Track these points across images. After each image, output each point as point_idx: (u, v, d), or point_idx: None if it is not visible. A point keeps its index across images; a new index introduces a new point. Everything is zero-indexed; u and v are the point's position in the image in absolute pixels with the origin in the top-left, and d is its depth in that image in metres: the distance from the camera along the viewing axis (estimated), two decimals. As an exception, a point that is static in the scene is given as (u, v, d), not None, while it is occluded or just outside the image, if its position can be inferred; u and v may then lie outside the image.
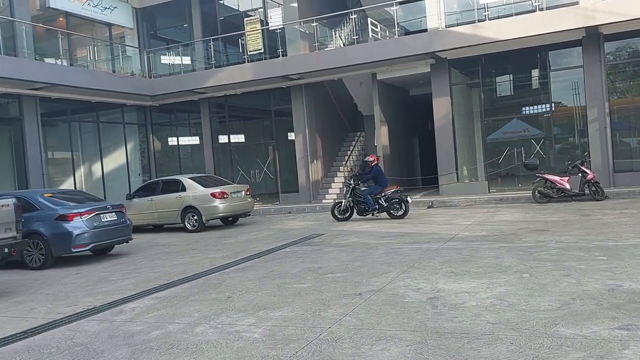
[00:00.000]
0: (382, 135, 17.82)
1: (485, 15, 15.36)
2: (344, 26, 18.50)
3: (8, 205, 7.83)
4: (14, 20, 15.84)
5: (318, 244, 10.15)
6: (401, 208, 13.17)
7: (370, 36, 16.83)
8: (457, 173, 16.72)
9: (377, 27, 17.30)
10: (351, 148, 20.41)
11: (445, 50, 15.64)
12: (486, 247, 8.36)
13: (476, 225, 10.97)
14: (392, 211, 13.16)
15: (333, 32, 18.59)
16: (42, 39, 17.95)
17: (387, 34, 17.56)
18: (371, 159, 13.64)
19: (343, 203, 13.44)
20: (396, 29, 16.74)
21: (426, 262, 7.56)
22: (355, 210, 13.38)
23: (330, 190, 18.71)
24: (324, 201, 18.21)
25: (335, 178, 19.15)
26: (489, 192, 16.12)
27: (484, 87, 16.89)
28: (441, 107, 16.63)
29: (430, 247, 8.68)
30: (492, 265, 7.02)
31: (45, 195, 10.68)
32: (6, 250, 7.60)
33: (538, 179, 14.09)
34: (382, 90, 17.79)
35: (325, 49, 17.81)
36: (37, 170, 16.25)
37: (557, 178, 13.83)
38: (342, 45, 18.06)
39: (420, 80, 17.78)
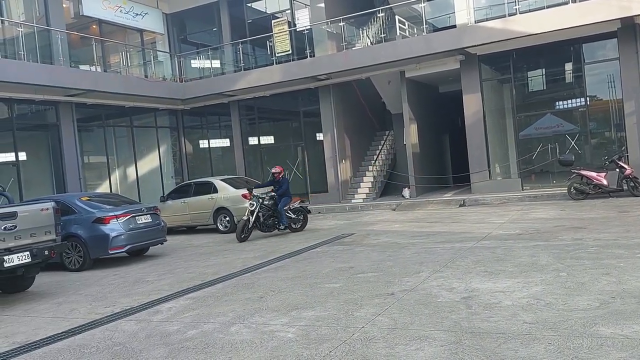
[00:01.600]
0: (411, 134, 17.69)
1: (516, 9, 15.09)
2: (371, 25, 18.43)
3: (48, 209, 8.07)
4: (49, 29, 16.30)
5: (349, 244, 10.14)
6: (299, 220, 12.83)
7: (398, 34, 16.72)
8: (489, 170, 16.47)
9: (404, 25, 17.18)
10: (380, 147, 20.32)
11: (475, 46, 15.42)
12: (521, 245, 8.22)
13: (510, 223, 10.80)
14: (292, 224, 12.73)
15: (360, 31, 18.54)
16: (76, 46, 18.43)
17: (415, 31, 17.41)
18: (278, 170, 12.77)
19: (251, 220, 12.01)
20: (424, 25, 16.60)
21: (459, 261, 7.48)
22: (257, 228, 12.26)
23: (359, 190, 18.67)
24: (353, 201, 18.19)
25: (364, 177, 19.11)
26: (522, 190, 15.83)
27: (516, 83, 16.59)
28: (472, 104, 16.41)
29: (463, 246, 8.58)
30: (528, 264, 6.90)
31: (82, 198, 10.97)
32: (46, 252, 7.82)
33: (574, 175, 13.77)
34: (411, 88, 17.66)
35: (353, 49, 17.78)
36: (74, 174, 16.69)
37: (593, 174, 13.49)
38: (369, 44, 18.00)
39: (450, 77, 17.59)
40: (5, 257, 7.23)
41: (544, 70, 17.07)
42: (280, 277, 7.63)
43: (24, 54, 15.16)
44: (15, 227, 7.45)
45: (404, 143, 17.96)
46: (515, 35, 14.61)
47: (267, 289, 6.98)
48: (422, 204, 15.87)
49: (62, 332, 5.84)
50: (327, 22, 18.06)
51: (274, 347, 4.65)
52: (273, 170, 12.81)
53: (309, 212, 13.15)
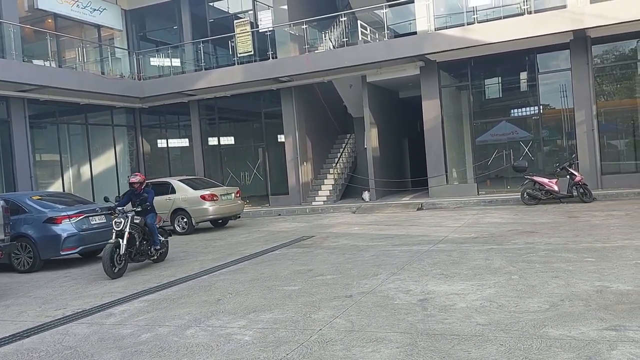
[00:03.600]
0: (372, 137, 17.88)
1: (474, 18, 15.50)
2: (334, 29, 18.53)
3: (-4, 208, 7.77)
4: (1, 21, 15.69)
5: (308, 246, 10.15)
6: (164, 245, 9.83)
7: (360, 39, 16.88)
8: (446, 175, 16.81)
9: (366, 30, 17.37)
10: (341, 150, 20.45)
11: (435, 52, 15.74)
12: (476, 249, 8.41)
13: (466, 227, 11.04)
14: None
15: (323, 35, 18.62)
16: (30, 40, 17.80)
17: (377, 37, 17.63)
18: (139, 179, 9.55)
19: (123, 245, 8.62)
20: (386, 31, 16.83)
21: (416, 264, 7.59)
22: (127, 255, 8.81)
23: (320, 192, 18.73)
24: (313, 203, 18.23)
25: (325, 180, 19.18)
26: (478, 194, 16.22)
27: (473, 90, 17.01)
28: (431, 110, 16.72)
29: (420, 249, 8.72)
30: (482, 267, 7.07)
31: (33, 197, 10.58)
32: (-6, 253, 7.53)
33: (527, 181, 14.20)
34: (372, 93, 17.86)
35: (315, 52, 17.84)
36: (25, 172, 16.09)
37: (545, 180, 13.95)
38: (332, 47, 18.10)
39: (410, 83, 17.88)
40: (-51, 258, 6.92)
41: (500, 78, 17.55)
42: (239, 280, 7.56)
43: (-28, 47, 14.56)
44: (-40, 226, 7.14)
45: (365, 146, 18.13)
46: (473, 43, 14.99)
47: (225, 291, 6.91)
48: (381, 207, 16.04)
49: (10, 336, 5.62)
50: (290, 24, 18.07)
51: (230, 350, 4.61)
52: (132, 180, 9.48)
53: (170, 235, 10.51)
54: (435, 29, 15.97)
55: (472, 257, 7.73)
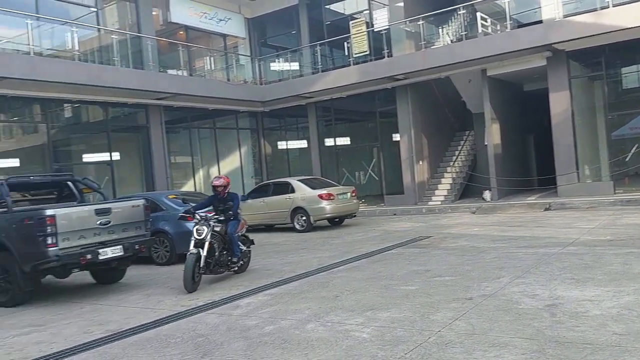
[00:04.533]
0: (493, 134, 17.11)
1: (607, 1, 14.21)
2: (451, 23, 18.04)
3: (138, 205, 8.59)
4: (141, 35, 17.30)
5: (425, 247, 9.99)
6: (246, 255, 9.02)
7: (480, 31, 16.24)
8: (577, 173, 15.61)
9: (487, 22, 16.66)
10: (459, 148, 19.82)
11: (563, 41, 14.67)
12: (612, 252, 7.74)
13: (600, 228, 10.19)
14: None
15: (440, 30, 18.21)
16: (164, 52, 19.44)
17: (498, 28, 16.84)
18: (223, 182, 8.56)
19: (203, 256, 7.87)
20: (508, 22, 16.01)
21: (543, 267, 7.16)
22: (206, 268, 8.02)
23: (437, 192, 18.32)
24: (430, 203, 17.88)
25: (442, 179, 18.72)
26: (614, 193, 14.85)
27: (608, 80, 15.61)
28: (559, 103, 15.63)
29: (548, 252, 8.21)
30: (619, 272, 6.49)
31: (169, 196, 11.55)
32: (136, 246, 8.31)
33: (673, 179, 12.78)
34: (493, 87, 17.09)
35: (432, 47, 17.48)
36: (162, 173, 17.63)
37: (696, 177, 12.45)
38: (449, 42, 17.62)
39: (535, 75, 16.83)
40: (100, 250, 7.75)
41: (639, 66, 15.94)
42: (355, 277, 7.66)
43: (117, 60, 16.20)
44: (109, 222, 7.98)
45: (485, 143, 17.41)
46: (608, 29, 13.77)
47: (342, 288, 7.03)
48: (503, 207, 15.32)
49: (151, 322, 6.19)
50: (406, 21, 17.88)
51: (349, 347, 4.69)
52: (215, 183, 8.55)
53: (253, 242, 9.45)
54: (564, 16, 14.89)
55: (607, 262, 7.12)
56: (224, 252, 8.44)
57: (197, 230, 7.98)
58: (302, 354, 4.63)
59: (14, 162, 15.06)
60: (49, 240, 7.25)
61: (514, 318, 5.05)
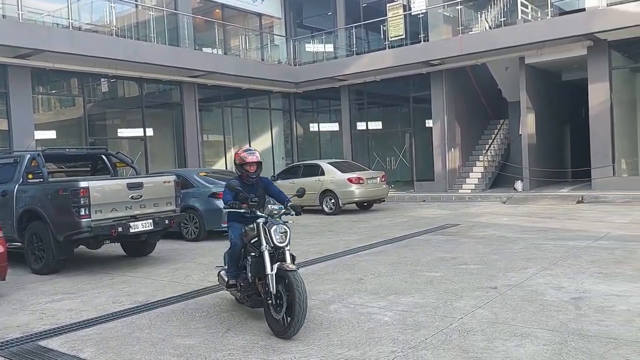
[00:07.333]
0: (528, 123, 16.76)
1: (656, -10, 13.66)
2: (491, 8, 17.63)
3: (170, 181, 8.76)
4: (177, 12, 17.44)
5: (452, 234, 9.93)
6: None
7: (520, 17, 15.81)
8: (613, 166, 15.19)
9: (527, 8, 16.21)
10: (493, 136, 19.50)
11: (606, 31, 14.18)
12: (644, 248, 7.57)
13: (633, 224, 9.94)
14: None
15: (479, 15, 17.82)
16: (200, 29, 19.57)
17: (539, 15, 16.38)
18: (256, 159, 5.45)
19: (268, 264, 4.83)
20: (549, 9, 15.58)
21: (571, 260, 7.05)
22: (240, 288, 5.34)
23: (467, 180, 18.11)
24: (460, 191, 17.69)
25: (474, 167, 18.48)
26: (651, 189, 14.46)
27: (651, 72, 15.10)
28: (598, 94, 15.18)
29: (577, 245, 8.07)
30: (650, 269, 6.35)
31: (200, 174, 11.75)
32: (166, 221, 8.49)
33: None
34: (530, 75, 16.69)
35: (469, 33, 17.14)
36: (194, 151, 17.89)
37: None
38: (488, 28, 17.23)
39: (575, 64, 16.36)
40: (131, 224, 7.95)
41: (686, 57, 15.35)
42: (381, 262, 7.68)
43: (154, 37, 16.38)
44: (141, 196, 8.17)
45: (520, 133, 17.08)
46: (653, 19, 13.25)
47: (367, 271, 7.08)
48: (535, 198, 15.06)
49: (178, 296, 6.36)
50: (444, 5, 17.55)
51: (370, 329, 4.74)
52: (250, 159, 5.39)
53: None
54: (607, 5, 14.38)
55: (638, 257, 6.97)
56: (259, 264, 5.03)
57: (278, 230, 4.84)
58: (324, 334, 4.69)
59: (51, 134, 15.50)
60: (82, 212, 7.47)
61: (538, 309, 5.01)
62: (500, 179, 18.58)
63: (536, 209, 13.41)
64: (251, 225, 5.15)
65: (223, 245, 10.00)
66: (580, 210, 12.66)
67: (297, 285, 4.49)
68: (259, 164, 5.47)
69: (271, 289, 4.65)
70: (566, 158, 19.85)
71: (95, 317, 5.59)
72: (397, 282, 6.41)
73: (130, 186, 8.11)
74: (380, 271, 7.05)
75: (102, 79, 16.44)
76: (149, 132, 17.21)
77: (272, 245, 4.80)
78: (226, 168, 19.31)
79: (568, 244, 8.19)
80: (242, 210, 5.15)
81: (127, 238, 8.37)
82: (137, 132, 16.98)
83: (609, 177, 15.11)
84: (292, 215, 5.27)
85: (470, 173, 18.33)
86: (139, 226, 8.05)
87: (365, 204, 15.31)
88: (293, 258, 4.92)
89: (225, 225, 10.65)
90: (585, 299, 5.26)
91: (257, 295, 5.03)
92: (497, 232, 9.90)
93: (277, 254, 4.83)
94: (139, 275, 7.73)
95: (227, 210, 5.33)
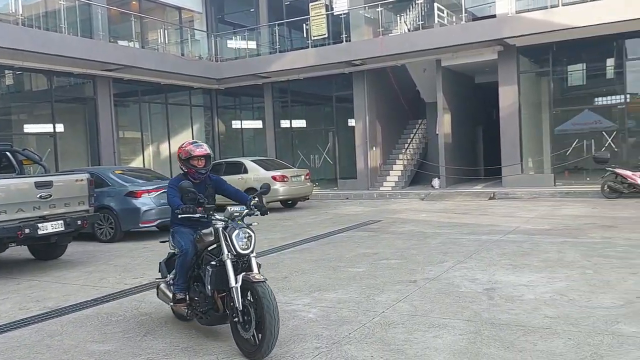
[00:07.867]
0: (444, 123, 17.49)
1: (558, 0, 14.68)
2: (409, 11, 18.19)
3: (82, 180, 8.30)
4: (90, 2, 16.57)
5: (374, 230, 10.17)
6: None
7: (436, 21, 16.47)
8: (521, 164, 16.19)
9: (443, 13, 16.92)
10: (412, 135, 20.16)
11: (515, 37, 15.08)
12: (548, 241, 8.11)
13: (539, 218, 10.64)
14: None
15: (398, 18, 18.33)
16: (116, 21, 18.72)
17: (454, 20, 17.13)
18: (205, 152, 4.81)
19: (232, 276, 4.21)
20: (463, 14, 16.32)
21: (484, 253, 7.43)
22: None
23: (388, 178, 18.61)
24: (381, 188, 18.15)
25: (394, 165, 19.02)
26: (554, 185, 15.53)
27: (554, 76, 16.20)
28: (507, 96, 16.11)
29: (490, 239, 8.51)
30: (554, 259, 6.81)
31: (116, 172, 11.24)
32: (79, 222, 8.04)
33: (608, 173, 13.43)
34: (446, 77, 17.42)
35: (390, 35, 17.60)
36: (109, 148, 17.08)
37: (629, 173, 13.13)
38: (406, 30, 17.78)
39: (487, 68, 17.28)
40: (40, 225, 7.48)
41: (584, 64, 16.61)
42: (305, 259, 7.72)
43: (64, 27, 15.47)
44: (50, 195, 7.69)
45: (437, 132, 17.78)
46: (557, 27, 14.22)
47: (292, 269, 7.08)
48: (451, 194, 15.74)
49: (91, 300, 6.05)
50: (365, 7, 17.90)
51: (294, 326, 4.74)
52: (198, 152, 4.77)
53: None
54: (516, 12, 15.29)
55: (543, 249, 7.46)
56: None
57: (240, 236, 4.25)
58: (246, 332, 4.63)
59: (-51, 130, 14.28)
60: (-15, 213, 6.94)
61: (454, 300, 5.23)
62: (418, 176, 19.25)
63: (452, 205, 14.02)
64: (207, 230, 4.52)
65: (141, 247, 9.68)
66: (492, 206, 13.38)
67: (266, 297, 3.87)
68: (207, 157, 4.79)
69: (237, 304, 4.01)
70: (479, 157, 20.89)
71: (0, 325, 5.20)
72: (321, 278, 6.47)
73: (39, 185, 7.62)
74: (305, 268, 7.08)
75: (7, 71, 15.33)
76: (59, 128, 16.25)
77: (235, 253, 4.17)
78: (144, 166, 18.64)
79: (481, 238, 8.62)
80: (198, 215, 4.42)
81: (35, 240, 7.85)
82: (46, 127, 15.96)
83: (518, 175, 16.09)
84: (257, 215, 4.69)
85: (390, 171, 18.85)
86: (48, 227, 7.59)
87: (290, 202, 15.33)
88: (259, 266, 4.35)
89: (144, 225, 10.39)
90: (497, 289, 5.56)
91: (215, 311, 4.36)
92: (415, 227, 10.25)
93: (242, 263, 4.21)
94: (48, 279, 7.28)
95: (181, 215, 4.47)
